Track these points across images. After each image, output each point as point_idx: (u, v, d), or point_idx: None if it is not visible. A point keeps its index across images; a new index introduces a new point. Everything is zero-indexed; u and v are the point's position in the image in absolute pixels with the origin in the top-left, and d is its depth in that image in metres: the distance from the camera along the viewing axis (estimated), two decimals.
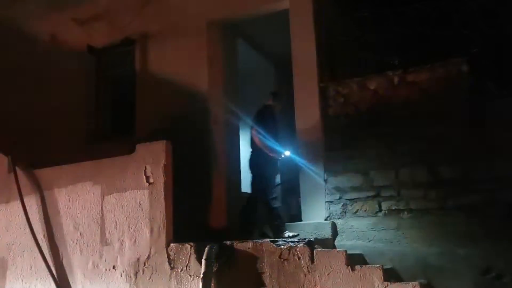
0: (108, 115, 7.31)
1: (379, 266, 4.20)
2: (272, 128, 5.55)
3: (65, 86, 7.19)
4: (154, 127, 6.26)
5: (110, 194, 5.29)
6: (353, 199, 5.32)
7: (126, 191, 5.21)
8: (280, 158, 5.52)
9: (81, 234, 5.37)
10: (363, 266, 4.26)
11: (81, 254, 5.32)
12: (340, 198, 5.38)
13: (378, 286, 4.08)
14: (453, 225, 4.84)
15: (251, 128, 5.63)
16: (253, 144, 5.69)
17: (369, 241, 5.12)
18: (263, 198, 5.52)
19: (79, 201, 5.44)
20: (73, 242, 5.38)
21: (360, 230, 5.20)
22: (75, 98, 7.15)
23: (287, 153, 5.50)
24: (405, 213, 5.08)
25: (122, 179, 5.26)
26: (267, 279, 4.51)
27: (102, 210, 5.30)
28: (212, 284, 4.62)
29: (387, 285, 4.07)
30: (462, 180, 4.86)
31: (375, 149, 5.24)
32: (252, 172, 5.71)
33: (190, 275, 4.78)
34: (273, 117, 5.68)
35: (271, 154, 5.47)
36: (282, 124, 5.99)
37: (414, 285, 4.01)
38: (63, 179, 5.58)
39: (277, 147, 5.45)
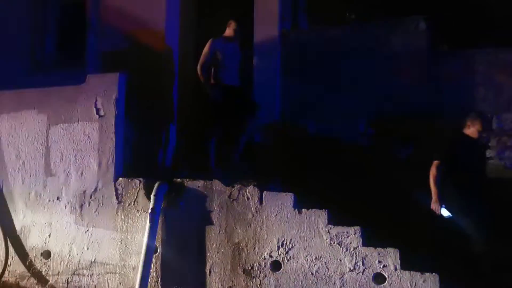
0: (55, 41, 6.82)
1: (325, 210, 4.36)
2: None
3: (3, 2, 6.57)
4: (107, 56, 5.95)
5: (57, 124, 5.09)
6: None
7: (74, 122, 5.04)
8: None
9: (23, 163, 5.18)
10: (310, 209, 4.40)
11: (23, 183, 5.15)
12: None
13: (322, 229, 4.26)
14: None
15: (433, 162, 4.28)
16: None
17: None
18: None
19: (22, 129, 5.21)
20: (15, 171, 5.19)
21: None
22: (16, 18, 6.60)
23: (444, 212, 4.21)
24: None
25: (70, 109, 5.07)
26: (215, 218, 4.57)
27: (47, 140, 5.11)
28: (160, 220, 4.64)
29: (330, 228, 4.25)
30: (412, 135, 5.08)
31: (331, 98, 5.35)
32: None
33: (137, 210, 4.76)
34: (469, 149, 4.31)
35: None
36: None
37: (356, 229, 4.21)
38: (5, 106, 5.29)
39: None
